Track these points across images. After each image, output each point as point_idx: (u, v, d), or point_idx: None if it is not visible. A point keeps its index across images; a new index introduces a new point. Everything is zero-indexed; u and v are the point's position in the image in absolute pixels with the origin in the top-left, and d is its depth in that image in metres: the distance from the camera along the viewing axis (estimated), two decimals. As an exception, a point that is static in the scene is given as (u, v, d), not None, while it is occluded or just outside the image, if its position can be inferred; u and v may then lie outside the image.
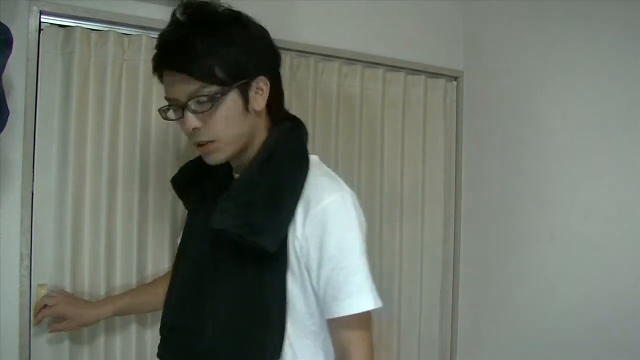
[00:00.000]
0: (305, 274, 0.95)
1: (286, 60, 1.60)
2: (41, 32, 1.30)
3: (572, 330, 1.51)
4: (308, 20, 1.66)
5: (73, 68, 1.31)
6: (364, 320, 0.94)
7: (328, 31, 1.69)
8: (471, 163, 1.94)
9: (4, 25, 1.11)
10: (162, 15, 1.28)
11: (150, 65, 0.98)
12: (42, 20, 1.30)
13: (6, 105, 1.15)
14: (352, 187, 0.98)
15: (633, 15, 1.40)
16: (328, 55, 1.69)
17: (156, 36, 0.99)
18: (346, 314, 0.92)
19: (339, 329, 0.95)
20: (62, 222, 1.31)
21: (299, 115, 1.62)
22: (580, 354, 1.48)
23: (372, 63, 1.78)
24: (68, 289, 1.30)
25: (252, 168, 0.98)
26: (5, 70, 1.13)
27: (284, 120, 1.05)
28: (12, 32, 1.13)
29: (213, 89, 0.92)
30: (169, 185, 1.23)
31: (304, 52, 1.64)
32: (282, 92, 1.06)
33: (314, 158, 1.04)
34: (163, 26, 0.98)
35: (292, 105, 1.63)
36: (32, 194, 1.29)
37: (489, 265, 1.84)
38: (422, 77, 1.87)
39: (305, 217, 0.93)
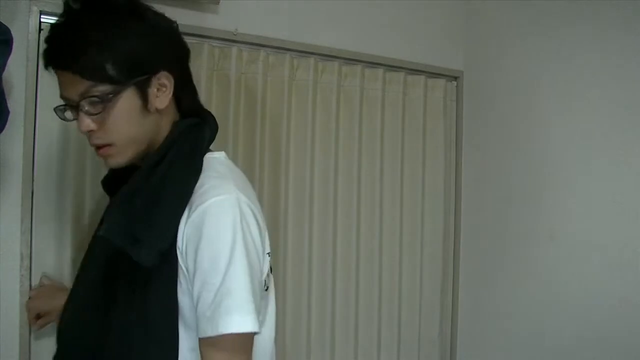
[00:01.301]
0: (191, 287, 0.85)
1: (286, 60, 1.61)
2: (41, 32, 1.29)
3: (572, 331, 1.51)
4: (308, 20, 1.66)
5: (73, 68, 1.31)
6: (235, 343, 0.83)
7: (328, 31, 1.69)
8: (471, 163, 1.94)
9: (4, 25, 1.11)
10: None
11: None
12: (42, 20, 1.30)
13: (6, 105, 1.15)
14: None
15: (635, 14, 1.40)
16: (328, 55, 1.69)
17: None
18: (209, 334, 0.81)
19: (206, 350, 0.84)
20: (62, 222, 1.31)
21: (299, 116, 1.66)
22: (580, 354, 1.48)
23: (372, 63, 1.78)
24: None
25: (141, 171, 0.89)
26: (5, 70, 1.13)
27: (190, 116, 0.96)
28: (12, 32, 1.12)
29: (104, 87, 0.84)
30: None
31: (304, 52, 1.64)
32: (192, 85, 0.99)
33: (216, 157, 0.95)
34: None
35: (292, 105, 1.63)
36: (32, 194, 1.29)
37: (489, 265, 1.83)
38: (422, 77, 1.87)
39: (185, 224, 0.84)
